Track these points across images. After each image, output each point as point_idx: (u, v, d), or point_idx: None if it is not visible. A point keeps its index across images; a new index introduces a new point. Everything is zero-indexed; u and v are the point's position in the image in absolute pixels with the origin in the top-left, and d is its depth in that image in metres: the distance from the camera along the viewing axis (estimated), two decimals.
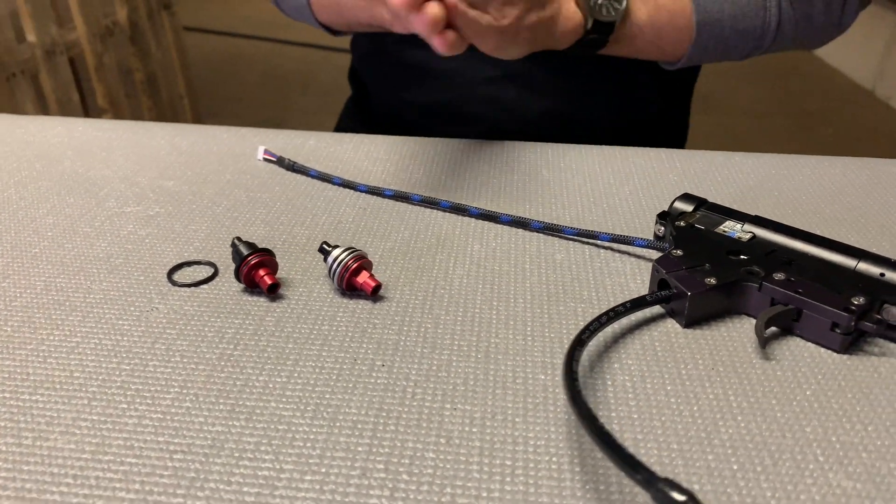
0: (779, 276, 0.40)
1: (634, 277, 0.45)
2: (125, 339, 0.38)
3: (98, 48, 1.87)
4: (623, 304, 0.39)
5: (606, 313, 0.38)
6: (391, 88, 0.80)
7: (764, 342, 0.38)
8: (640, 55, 0.65)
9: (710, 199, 0.52)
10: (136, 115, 2.03)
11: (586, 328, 0.36)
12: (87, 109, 1.90)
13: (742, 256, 0.42)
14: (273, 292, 0.41)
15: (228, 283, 0.43)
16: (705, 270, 0.41)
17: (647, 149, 0.62)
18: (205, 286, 0.43)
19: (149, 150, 0.60)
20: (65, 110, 1.75)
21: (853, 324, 0.37)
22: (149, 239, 0.47)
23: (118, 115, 1.94)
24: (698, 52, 0.64)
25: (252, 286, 0.42)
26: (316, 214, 0.51)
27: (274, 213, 0.51)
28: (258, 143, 0.62)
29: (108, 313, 0.40)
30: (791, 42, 0.66)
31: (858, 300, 0.38)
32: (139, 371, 0.36)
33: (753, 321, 0.40)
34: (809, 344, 0.39)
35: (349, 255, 0.41)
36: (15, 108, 1.61)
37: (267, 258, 0.42)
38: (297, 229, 0.49)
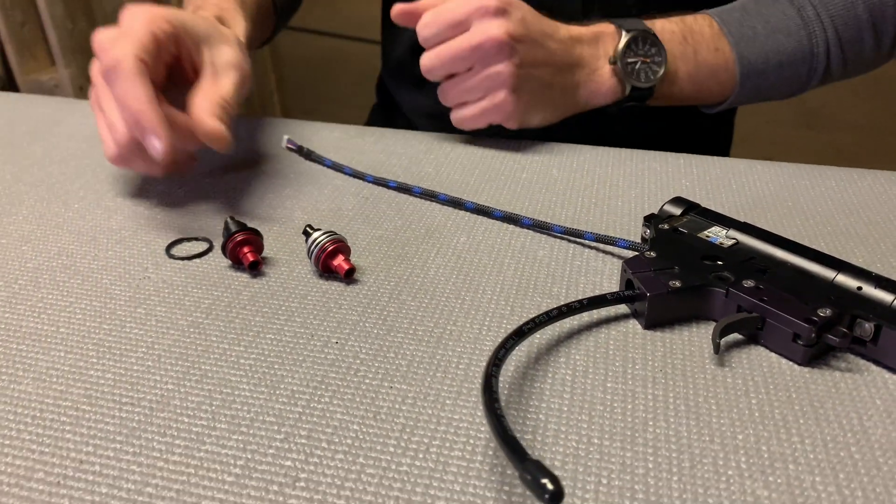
0: (748, 283, 0.39)
1: (611, 278, 0.44)
2: (112, 302, 0.41)
3: None
4: (579, 301, 0.39)
5: (559, 308, 0.38)
6: (406, 96, 0.82)
7: (717, 348, 0.37)
8: (677, 105, 0.65)
9: (719, 207, 0.51)
10: None
11: (531, 320, 0.37)
12: None
13: (718, 262, 0.42)
14: (254, 269, 0.44)
15: (219, 259, 0.46)
16: (673, 273, 0.41)
17: (665, 153, 0.61)
18: (197, 260, 0.46)
19: None
20: None
21: (814, 336, 0.36)
22: (160, 215, 0.51)
23: None
24: (739, 100, 0.64)
25: (237, 262, 0.45)
26: (319, 201, 0.53)
27: (280, 197, 0.54)
28: (285, 130, 0.65)
29: (104, 279, 0.44)
30: (838, 78, 0.65)
31: (824, 312, 0.37)
32: (116, 331, 0.39)
33: None
34: (772, 354, 0.38)
35: (327, 237, 0.43)
36: None
37: (252, 237, 0.44)
38: (297, 213, 0.51)
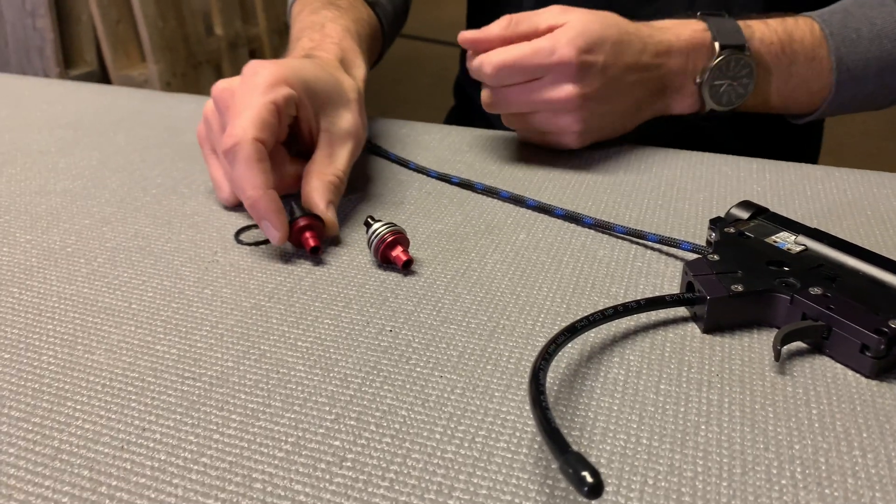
0: (815, 290, 0.38)
1: (672, 281, 0.44)
2: (182, 282, 0.43)
3: (276, 42, 2.05)
4: (636, 301, 0.39)
5: (615, 307, 0.38)
6: None
7: (778, 355, 0.36)
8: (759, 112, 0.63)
9: (791, 213, 0.50)
10: None
11: (586, 318, 0.37)
12: None
13: (784, 268, 0.40)
14: (315, 254, 0.45)
15: (285, 246, 0.47)
16: (736, 277, 0.40)
17: (737, 157, 0.60)
18: (263, 246, 0.47)
19: None
20: None
21: (883, 347, 0.35)
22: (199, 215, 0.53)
23: None
24: (831, 109, 0.61)
25: (298, 246, 0.46)
26: (383, 194, 0.54)
27: (348, 189, 0.55)
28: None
29: (176, 260, 0.46)
30: None
31: None
32: (183, 310, 0.41)
33: None
34: (837, 365, 0.36)
35: (387, 229, 0.44)
36: (199, 93, 1.80)
37: (314, 223, 0.46)
38: (360, 205, 0.52)
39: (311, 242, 0.45)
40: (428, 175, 0.57)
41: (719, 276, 0.40)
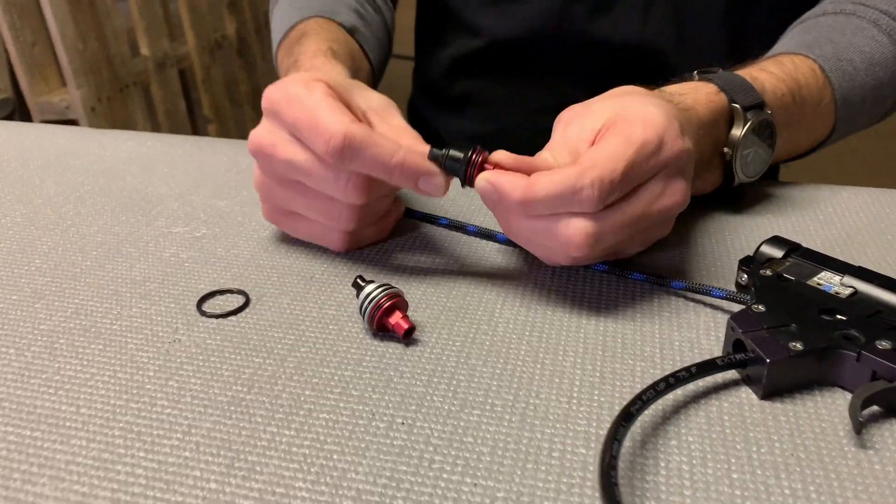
0: (883, 344, 0.33)
1: (708, 333, 0.39)
2: (140, 373, 0.36)
3: (206, 61, 1.94)
4: (687, 369, 0.33)
5: (665, 379, 0.32)
6: (444, 119, 0.77)
7: (859, 426, 0.31)
8: None
9: (810, 242, 0.45)
10: (241, 126, 2.09)
11: (638, 398, 0.31)
12: (194, 119, 1.98)
13: (839, 317, 0.36)
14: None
15: (257, 315, 0.40)
16: (791, 332, 0.35)
17: None
18: (233, 317, 0.40)
19: (208, 167, 0.59)
20: (172, 120, 1.83)
21: None
22: (189, 262, 0.46)
23: (223, 125, 2.00)
24: (825, 145, 0.57)
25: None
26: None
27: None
28: None
29: (130, 343, 0.38)
30: None
31: None
32: (146, 411, 0.33)
33: (848, 395, 0.34)
34: None
35: (382, 292, 0.38)
36: (127, 118, 1.69)
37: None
38: (340, 258, 0.46)
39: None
40: (412, 217, 0.51)
41: (771, 331, 0.35)
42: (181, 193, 0.55)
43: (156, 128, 1.79)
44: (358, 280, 0.40)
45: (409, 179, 0.39)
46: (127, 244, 0.48)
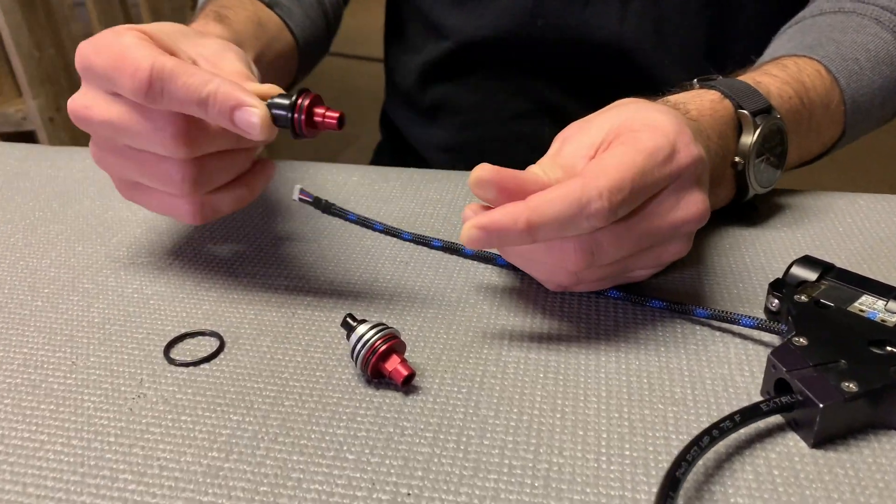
0: None
1: (741, 368, 0.35)
2: (99, 440, 0.31)
3: None
4: (731, 418, 0.29)
5: (708, 432, 0.28)
6: (418, 129, 0.72)
7: None
8: None
9: (829, 257, 0.42)
10: None
11: (681, 458, 0.27)
12: None
13: (889, 349, 0.32)
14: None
15: (234, 361, 0.36)
16: (841, 369, 0.31)
17: None
18: (206, 365, 0.35)
19: None
20: None
21: None
22: (154, 299, 0.41)
23: None
24: (833, 149, 0.54)
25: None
26: (349, 270, 0.43)
27: (302, 267, 0.43)
28: (296, 179, 0.55)
29: (87, 402, 0.33)
30: None
31: None
32: (106, 488, 0.29)
33: None
34: None
35: (377, 334, 0.33)
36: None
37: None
38: (325, 289, 0.41)
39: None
40: (401, 238, 0.46)
41: (818, 368, 0.31)
42: (145, 218, 0.49)
43: None
44: (348, 319, 0.35)
45: (224, 114, 0.34)
46: (84, 279, 0.43)
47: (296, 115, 0.35)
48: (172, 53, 0.36)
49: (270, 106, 0.35)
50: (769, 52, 0.51)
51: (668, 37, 0.60)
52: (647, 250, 0.36)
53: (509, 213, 0.32)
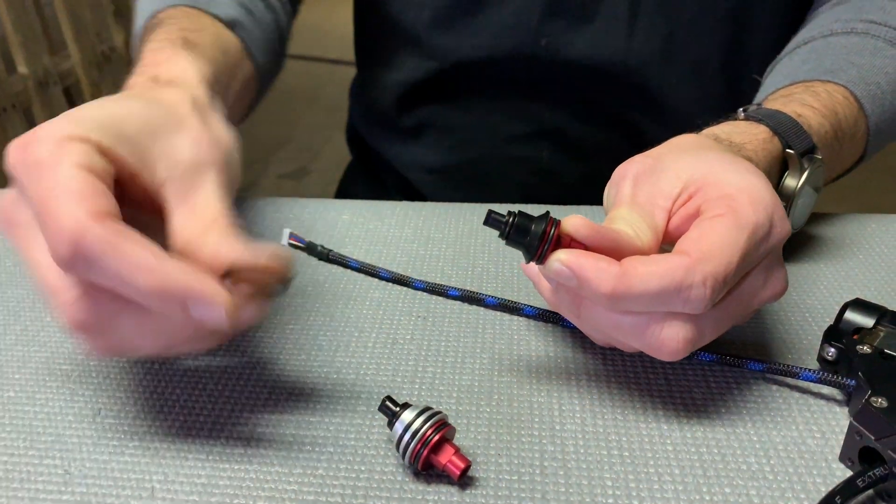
0: None
1: (810, 428, 0.33)
2: None
3: (94, 76, 1.76)
4: (831, 500, 0.27)
5: None
6: (398, 147, 0.68)
7: None
8: None
9: (861, 292, 0.41)
10: None
11: None
12: None
13: None
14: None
15: (258, 456, 0.31)
16: None
17: None
18: (226, 464, 0.31)
19: None
20: None
21: None
22: (148, 379, 0.36)
23: None
24: (849, 172, 0.52)
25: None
26: (363, 331, 0.39)
27: (306, 329, 0.39)
28: (279, 217, 0.50)
29: None
30: None
31: None
32: None
33: None
34: None
35: (426, 422, 0.30)
36: (6, 145, 1.50)
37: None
38: (341, 359, 0.37)
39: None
40: (412, 287, 0.43)
41: None
42: None
43: None
44: (388, 404, 0.31)
45: (171, 305, 0.27)
46: (60, 358, 0.37)
47: (542, 247, 0.30)
48: (133, 176, 0.30)
49: (510, 231, 0.30)
50: (784, 74, 0.49)
51: (677, 54, 0.58)
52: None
53: (599, 268, 0.29)
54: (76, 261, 0.27)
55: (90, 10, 1.73)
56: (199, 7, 0.49)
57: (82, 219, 0.27)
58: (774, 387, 0.35)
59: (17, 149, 0.29)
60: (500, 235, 0.31)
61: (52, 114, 1.63)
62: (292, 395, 0.35)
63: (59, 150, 0.28)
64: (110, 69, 1.81)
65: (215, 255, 0.29)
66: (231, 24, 0.51)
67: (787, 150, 0.41)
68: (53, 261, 0.27)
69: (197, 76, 0.39)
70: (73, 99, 1.73)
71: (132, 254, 0.27)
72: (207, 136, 0.33)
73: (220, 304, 0.27)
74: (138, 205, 0.31)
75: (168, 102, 0.34)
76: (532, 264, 0.32)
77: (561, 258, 0.30)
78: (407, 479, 0.30)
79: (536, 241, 0.30)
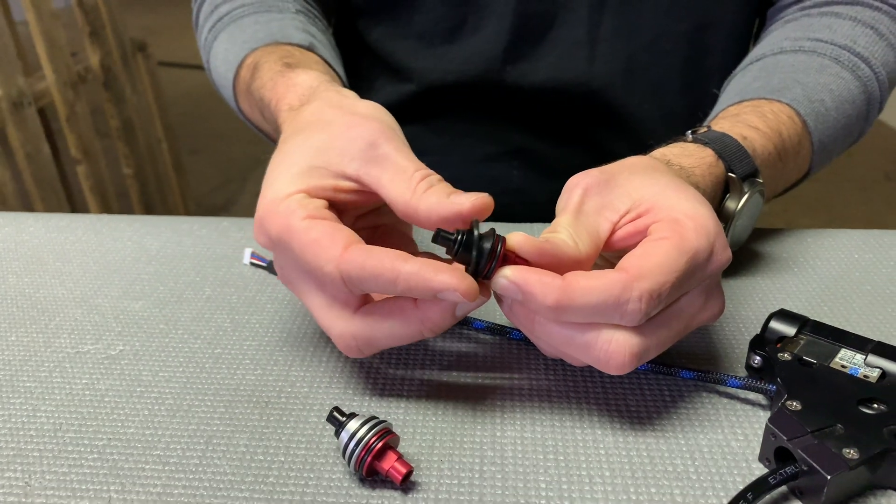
0: None
1: (734, 431, 0.35)
2: None
3: (69, 96, 1.77)
4: (743, 496, 0.29)
5: None
6: None
7: None
8: None
9: (791, 303, 0.43)
10: (112, 164, 1.92)
11: None
12: (60, 163, 1.80)
13: (878, 406, 0.33)
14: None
15: (212, 466, 0.33)
16: (839, 435, 0.31)
17: None
18: (181, 474, 0.32)
19: (112, 257, 0.50)
20: (35, 164, 1.65)
21: None
22: (110, 395, 0.37)
23: (92, 164, 1.83)
24: (795, 186, 0.55)
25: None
26: (318, 346, 0.41)
27: (267, 346, 0.41)
28: (242, 239, 0.52)
29: None
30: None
31: None
32: None
33: None
34: None
35: (370, 430, 0.31)
36: None
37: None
38: (296, 373, 0.39)
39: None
40: None
41: (817, 435, 0.31)
42: (83, 296, 0.45)
43: (16, 175, 1.61)
44: (335, 414, 0.33)
45: (424, 294, 0.32)
46: (23, 376, 0.39)
47: (489, 265, 0.32)
48: (336, 189, 0.36)
49: (457, 250, 0.32)
50: (735, 91, 0.52)
51: (638, 75, 0.60)
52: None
53: (542, 282, 0.31)
54: (350, 287, 0.33)
55: (65, 30, 1.74)
56: (278, 42, 0.53)
57: (334, 259, 0.32)
58: (704, 393, 0.37)
59: (258, 234, 0.36)
60: (448, 252, 0.33)
61: (28, 135, 1.64)
62: (247, 407, 0.36)
63: (285, 219, 0.34)
64: (85, 89, 1.82)
65: (429, 211, 0.34)
66: (310, 48, 0.54)
67: (730, 175, 0.43)
68: (332, 296, 0.34)
69: (314, 82, 0.44)
70: (47, 120, 1.73)
71: (381, 266, 0.32)
72: (355, 118, 0.37)
73: (462, 285, 0.31)
74: (364, 201, 0.37)
75: (313, 122, 0.38)
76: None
77: (507, 274, 0.32)
78: (353, 486, 0.32)
79: (484, 259, 0.32)
